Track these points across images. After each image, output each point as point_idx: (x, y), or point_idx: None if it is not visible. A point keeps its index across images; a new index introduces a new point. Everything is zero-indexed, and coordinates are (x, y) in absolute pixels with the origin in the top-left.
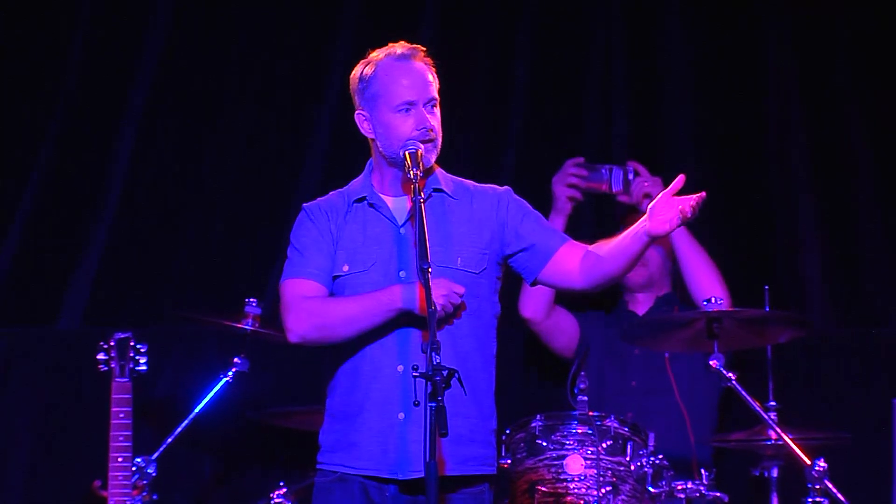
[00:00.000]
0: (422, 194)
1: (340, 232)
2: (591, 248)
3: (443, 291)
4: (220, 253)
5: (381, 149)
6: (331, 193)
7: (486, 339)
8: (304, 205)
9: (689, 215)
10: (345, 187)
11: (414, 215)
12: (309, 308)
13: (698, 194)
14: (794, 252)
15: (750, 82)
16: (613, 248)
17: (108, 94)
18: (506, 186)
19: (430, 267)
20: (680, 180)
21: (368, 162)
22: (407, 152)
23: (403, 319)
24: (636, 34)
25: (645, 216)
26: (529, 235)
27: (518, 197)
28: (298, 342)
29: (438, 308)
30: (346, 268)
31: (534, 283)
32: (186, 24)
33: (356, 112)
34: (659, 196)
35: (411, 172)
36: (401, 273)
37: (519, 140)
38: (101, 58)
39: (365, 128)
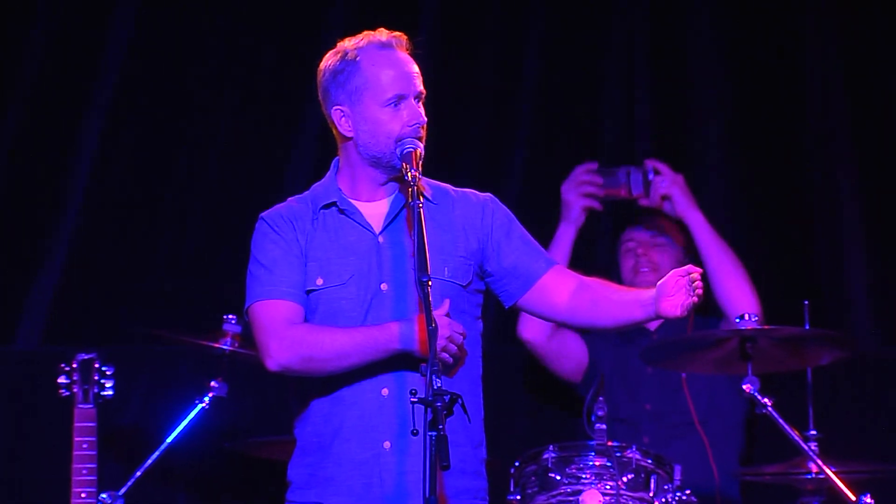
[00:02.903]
0: (420, 198)
1: (309, 242)
2: (587, 282)
3: (444, 333)
4: (196, 264)
5: (360, 148)
6: (289, 200)
7: (474, 359)
8: (262, 215)
9: (697, 301)
10: (306, 192)
11: (412, 222)
12: (294, 337)
13: (697, 270)
14: (837, 264)
15: (787, 74)
16: (615, 303)
17: (69, 88)
18: (488, 193)
19: (430, 280)
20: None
21: (333, 163)
22: (405, 152)
23: None
24: (660, 15)
25: (653, 290)
26: (513, 254)
27: (503, 206)
28: (278, 371)
29: (437, 350)
30: (320, 281)
31: (511, 308)
32: (158, 7)
33: (333, 108)
34: (669, 275)
35: (409, 174)
36: (382, 286)
37: (530, 133)
38: (62, 48)
39: (344, 125)
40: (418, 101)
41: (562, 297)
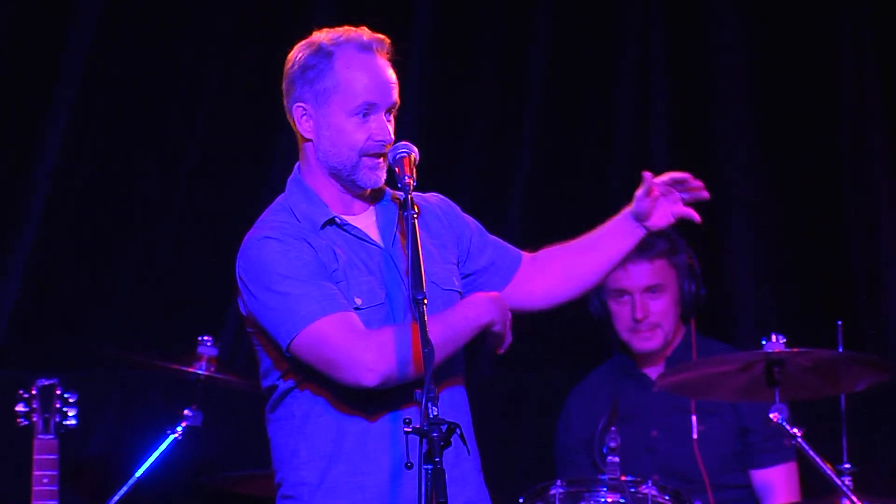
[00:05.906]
0: (416, 208)
1: (329, 262)
2: (540, 255)
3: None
4: (167, 281)
5: (319, 154)
6: (273, 220)
7: (465, 375)
8: (267, 234)
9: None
10: (279, 214)
11: (405, 235)
12: (386, 342)
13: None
14: (874, 281)
15: (818, 68)
16: (588, 252)
17: (27, 88)
18: (434, 193)
19: (425, 297)
20: (647, 178)
21: (295, 170)
22: (398, 156)
23: None
24: (677, 3)
25: (623, 212)
26: (485, 250)
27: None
28: (378, 384)
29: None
30: (359, 301)
31: None
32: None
33: (295, 104)
34: (638, 193)
35: (404, 182)
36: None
37: (537, 133)
38: (20, 45)
39: (304, 125)
40: (390, 115)
41: (534, 284)
